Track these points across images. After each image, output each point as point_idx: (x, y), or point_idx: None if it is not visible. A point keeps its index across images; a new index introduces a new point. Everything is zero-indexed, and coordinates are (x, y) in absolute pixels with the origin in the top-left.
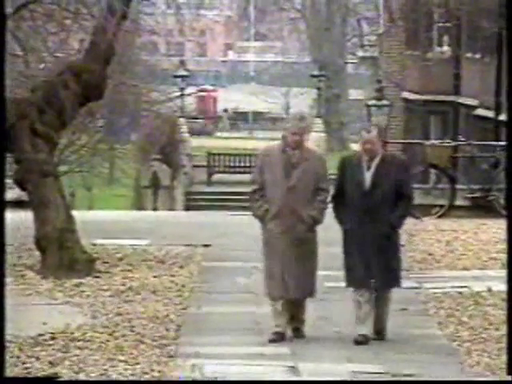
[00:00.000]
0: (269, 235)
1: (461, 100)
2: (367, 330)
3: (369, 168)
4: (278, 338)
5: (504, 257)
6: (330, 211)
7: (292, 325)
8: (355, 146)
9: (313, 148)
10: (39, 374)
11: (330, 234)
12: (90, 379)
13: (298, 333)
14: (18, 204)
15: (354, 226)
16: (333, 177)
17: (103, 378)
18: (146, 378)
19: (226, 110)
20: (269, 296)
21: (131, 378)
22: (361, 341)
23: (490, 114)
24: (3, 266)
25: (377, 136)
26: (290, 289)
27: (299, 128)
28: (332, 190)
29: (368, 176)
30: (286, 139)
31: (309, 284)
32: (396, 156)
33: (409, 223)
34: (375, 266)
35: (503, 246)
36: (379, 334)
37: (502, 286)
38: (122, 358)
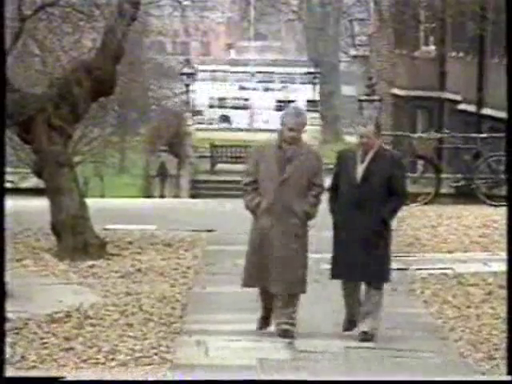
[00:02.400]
0: (260, 228)
1: (445, 95)
2: (368, 325)
3: (362, 161)
4: (264, 324)
5: (484, 240)
6: (325, 200)
7: (279, 324)
8: (348, 138)
9: (309, 143)
10: (55, 349)
11: (324, 219)
12: (92, 379)
13: (286, 332)
14: (36, 192)
15: (344, 219)
16: (329, 169)
17: (115, 351)
18: (154, 352)
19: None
20: (244, 283)
21: (140, 353)
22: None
23: (473, 108)
24: (3, 266)
25: (373, 130)
26: (276, 284)
27: (296, 123)
28: (329, 182)
29: (360, 169)
30: (283, 134)
31: (298, 279)
32: (391, 151)
33: None
34: (364, 259)
35: (484, 230)
36: (366, 336)
37: (484, 268)
38: (132, 334)
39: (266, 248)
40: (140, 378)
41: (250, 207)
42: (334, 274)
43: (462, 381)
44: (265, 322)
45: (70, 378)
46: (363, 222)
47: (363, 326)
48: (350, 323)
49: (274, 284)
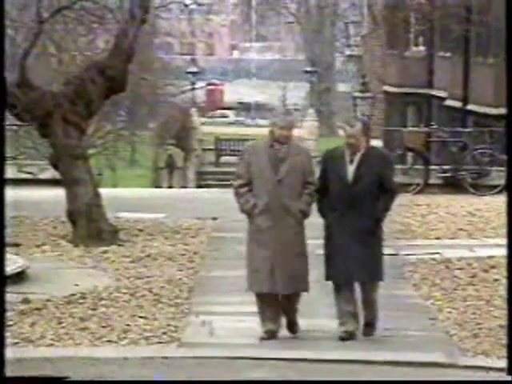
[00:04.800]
0: (257, 230)
1: (433, 92)
2: (353, 326)
3: (351, 162)
4: (271, 335)
5: (469, 228)
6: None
7: (285, 321)
8: (343, 133)
9: (298, 143)
10: (72, 328)
11: None
12: (97, 379)
13: (291, 329)
14: (53, 182)
15: (336, 220)
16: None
17: (126, 330)
18: (163, 331)
19: None
20: (253, 290)
21: (150, 333)
22: (345, 337)
23: (458, 104)
24: (3, 267)
25: (360, 130)
26: (280, 284)
27: (287, 123)
28: (316, 184)
29: (350, 170)
30: (274, 134)
31: (300, 278)
32: (379, 150)
33: None
34: (357, 259)
35: (470, 218)
36: (368, 328)
37: (469, 253)
38: (142, 314)
39: (267, 250)
40: (150, 355)
41: (246, 209)
42: (330, 276)
43: (463, 381)
44: (272, 335)
45: (74, 377)
46: (356, 222)
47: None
48: (346, 333)
49: (285, 286)
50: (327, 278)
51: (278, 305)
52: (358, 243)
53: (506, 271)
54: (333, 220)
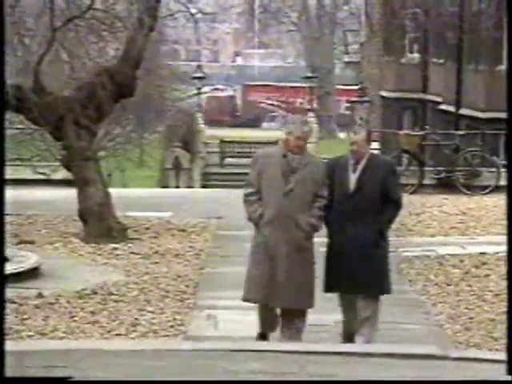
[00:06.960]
0: (262, 241)
1: (428, 97)
2: (365, 339)
3: (355, 170)
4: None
5: (461, 226)
6: None
7: (284, 337)
8: (342, 135)
9: (312, 153)
10: (83, 322)
11: None
12: (100, 379)
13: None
14: (65, 183)
15: (339, 230)
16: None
17: (135, 324)
18: (170, 325)
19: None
20: (247, 299)
21: (157, 326)
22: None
23: (452, 108)
24: (3, 267)
25: (364, 137)
26: (279, 298)
27: (303, 132)
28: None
29: (353, 178)
30: (288, 143)
31: (304, 293)
32: (383, 158)
33: None
34: (360, 271)
35: (462, 217)
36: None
37: (461, 250)
38: (150, 309)
39: (270, 261)
40: (157, 348)
41: (253, 218)
42: (330, 287)
43: (463, 381)
44: (263, 340)
45: (77, 378)
46: (358, 233)
47: (361, 339)
48: (349, 338)
49: (278, 298)
50: (326, 290)
51: (283, 315)
52: (360, 256)
53: (507, 270)
54: (335, 230)
